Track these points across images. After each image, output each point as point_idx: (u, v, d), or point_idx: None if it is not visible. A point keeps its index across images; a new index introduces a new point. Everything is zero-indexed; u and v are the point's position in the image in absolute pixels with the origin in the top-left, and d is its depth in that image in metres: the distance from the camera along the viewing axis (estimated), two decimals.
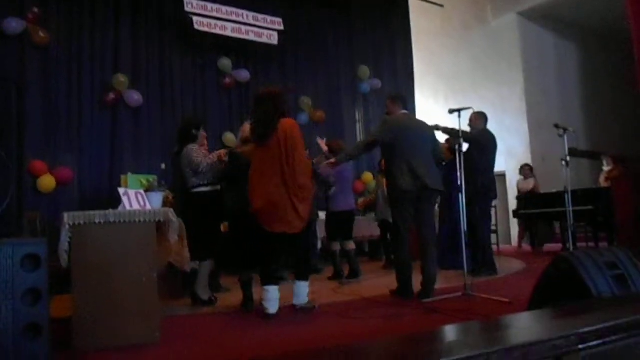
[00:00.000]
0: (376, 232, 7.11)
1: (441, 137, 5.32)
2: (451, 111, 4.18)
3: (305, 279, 3.75)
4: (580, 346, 1.73)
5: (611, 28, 10.91)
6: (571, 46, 12.34)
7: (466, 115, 4.51)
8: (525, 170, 8.85)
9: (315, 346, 2.63)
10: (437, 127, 4.82)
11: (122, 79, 6.90)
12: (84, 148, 6.73)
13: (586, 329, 1.75)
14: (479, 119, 5.53)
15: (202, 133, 4.52)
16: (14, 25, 6.12)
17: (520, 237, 9.45)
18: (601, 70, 12.46)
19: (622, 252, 2.83)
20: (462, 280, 3.93)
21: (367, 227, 7.39)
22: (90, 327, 2.87)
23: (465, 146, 4.60)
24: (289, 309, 3.71)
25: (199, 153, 4.23)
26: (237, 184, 4.03)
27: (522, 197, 8.58)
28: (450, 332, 2.03)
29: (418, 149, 4.11)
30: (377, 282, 5.22)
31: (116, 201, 6.45)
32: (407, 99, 4.80)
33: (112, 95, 6.86)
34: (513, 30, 11.23)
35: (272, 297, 3.54)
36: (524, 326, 2.01)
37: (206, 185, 4.24)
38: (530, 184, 8.74)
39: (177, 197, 5.01)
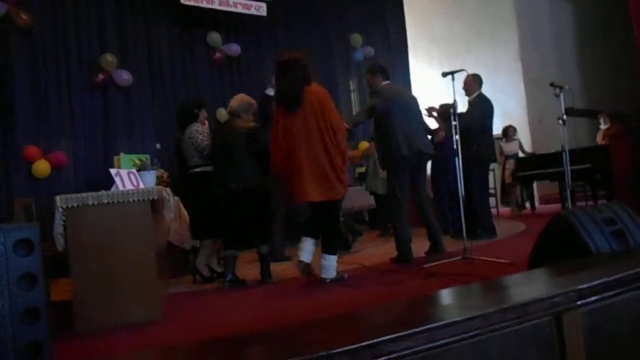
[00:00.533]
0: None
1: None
2: (444, 74, 4.11)
3: (334, 252, 3.66)
4: (579, 302, 1.72)
5: None
6: (565, 4, 12.10)
7: (460, 78, 4.42)
8: (509, 132, 8.66)
9: (318, 316, 2.64)
10: (430, 114, 4.84)
11: (110, 58, 6.77)
12: (76, 131, 6.65)
13: (584, 285, 1.74)
14: (474, 81, 5.45)
15: (203, 112, 4.50)
16: None
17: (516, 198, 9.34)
18: (597, 26, 12.24)
19: (620, 208, 2.82)
20: (461, 244, 3.94)
21: (365, 196, 7.37)
22: (90, 308, 2.88)
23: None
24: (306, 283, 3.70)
25: (205, 136, 4.21)
26: (236, 162, 3.86)
27: (520, 159, 8.53)
28: (449, 295, 2.03)
29: (410, 116, 4.12)
30: (376, 250, 5.23)
31: (111, 182, 6.44)
32: (387, 69, 4.63)
33: (101, 76, 6.74)
34: None
35: (307, 247, 3.65)
36: (523, 285, 2.00)
37: (208, 165, 4.21)
38: (514, 146, 8.58)
39: (179, 176, 4.99)
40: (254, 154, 3.86)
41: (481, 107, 5.36)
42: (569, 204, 5.30)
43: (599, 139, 8.07)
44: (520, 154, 8.61)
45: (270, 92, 4.30)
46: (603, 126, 8.08)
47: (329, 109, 3.53)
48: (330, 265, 3.63)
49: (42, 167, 6.13)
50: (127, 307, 2.94)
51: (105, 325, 2.84)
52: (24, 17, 6.17)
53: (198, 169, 4.23)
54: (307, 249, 3.63)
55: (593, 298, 1.74)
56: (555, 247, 2.65)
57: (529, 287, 1.93)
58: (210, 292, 3.91)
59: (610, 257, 2.32)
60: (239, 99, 4.13)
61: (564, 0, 12.02)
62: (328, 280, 3.61)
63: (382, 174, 5.39)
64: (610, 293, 1.79)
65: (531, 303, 1.60)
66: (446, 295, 2.02)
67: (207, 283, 4.22)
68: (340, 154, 3.52)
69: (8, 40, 6.21)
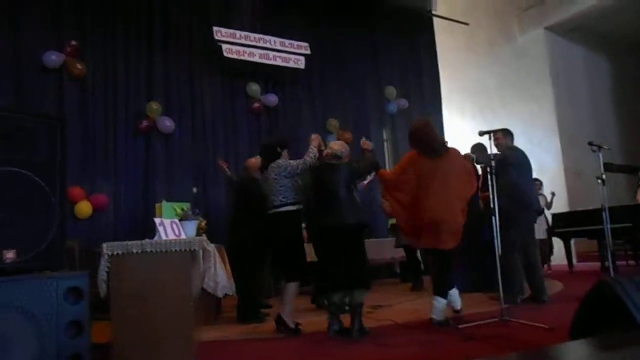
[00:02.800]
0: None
1: None
2: (481, 133, 4.14)
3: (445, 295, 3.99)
4: None
5: None
6: (601, 58, 12.11)
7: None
8: (535, 186, 8.47)
9: None
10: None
11: (155, 106, 7.11)
12: (119, 174, 6.93)
13: None
14: (505, 136, 5.41)
15: (285, 152, 4.40)
16: (54, 58, 6.40)
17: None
18: (634, 81, 12.19)
19: None
20: (497, 305, 3.86)
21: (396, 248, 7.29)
22: (127, 354, 2.93)
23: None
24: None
25: (299, 169, 4.11)
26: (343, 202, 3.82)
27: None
28: None
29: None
30: (408, 306, 5.14)
31: (150, 226, 6.58)
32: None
33: (145, 122, 7.06)
34: (541, 45, 11.10)
35: (440, 307, 3.91)
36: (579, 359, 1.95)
37: (293, 204, 4.08)
38: (541, 201, 8.39)
39: (244, 218, 4.89)
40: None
41: (512, 158, 5.21)
42: (609, 264, 5.13)
43: (638, 197, 7.85)
44: (546, 211, 8.40)
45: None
46: None
47: (464, 168, 4.24)
48: (439, 307, 3.92)
49: (84, 208, 6.37)
50: (163, 354, 2.98)
51: None
52: (79, 66, 6.59)
53: (283, 208, 4.05)
54: (440, 309, 3.93)
55: None
56: (599, 315, 2.58)
57: None
58: (239, 341, 3.90)
59: None
60: (340, 144, 4.29)
61: (599, 54, 12.04)
62: (435, 322, 3.87)
63: None
64: None
65: None
66: None
67: (291, 334, 3.92)
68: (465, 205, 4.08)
69: (62, 87, 6.62)
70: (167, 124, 7.20)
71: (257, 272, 4.98)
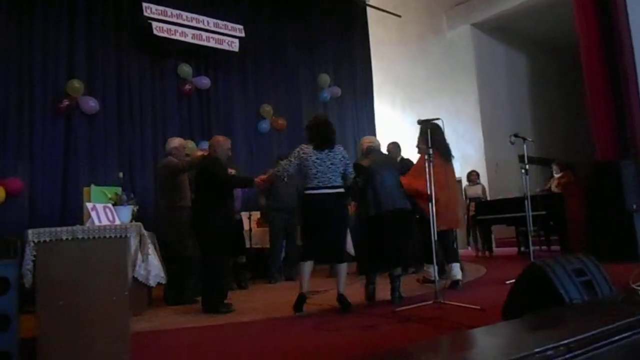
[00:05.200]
0: None
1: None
2: (420, 122, 4.25)
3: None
4: (568, 355, 1.79)
5: (560, 40, 11.45)
6: (522, 57, 12.87)
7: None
8: (473, 176, 9.09)
9: None
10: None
11: (76, 84, 6.63)
12: (35, 157, 6.41)
13: (572, 339, 1.82)
14: (395, 148, 5.93)
15: None
16: None
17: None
18: (550, 80, 13.06)
19: (587, 259, 2.97)
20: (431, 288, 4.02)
21: None
22: (55, 348, 2.72)
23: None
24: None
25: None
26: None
27: (480, 203, 8.83)
28: (441, 346, 2.05)
29: None
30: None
31: (71, 212, 6.17)
32: None
33: (66, 102, 6.57)
34: (467, 41, 11.60)
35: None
36: (514, 337, 2.06)
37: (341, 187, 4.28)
38: (478, 190, 8.98)
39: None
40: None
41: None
42: (530, 249, 5.50)
43: (553, 187, 8.46)
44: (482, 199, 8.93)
45: None
46: (556, 174, 8.50)
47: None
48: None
49: None
50: (95, 348, 2.79)
51: None
52: None
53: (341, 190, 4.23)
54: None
55: (579, 351, 1.81)
56: (530, 296, 2.74)
57: (520, 340, 1.98)
58: (172, 331, 3.76)
59: (584, 308, 2.42)
60: (369, 140, 4.93)
61: (520, 53, 12.77)
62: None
63: None
64: (594, 346, 1.87)
65: (526, 357, 1.64)
66: (439, 346, 2.04)
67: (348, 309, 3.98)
68: None
69: None
70: (91, 104, 6.75)
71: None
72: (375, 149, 4.78)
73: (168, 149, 5.37)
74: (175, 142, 5.42)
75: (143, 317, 4.31)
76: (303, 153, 4.10)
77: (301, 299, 3.95)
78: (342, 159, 4.14)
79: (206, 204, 4.36)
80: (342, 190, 4.12)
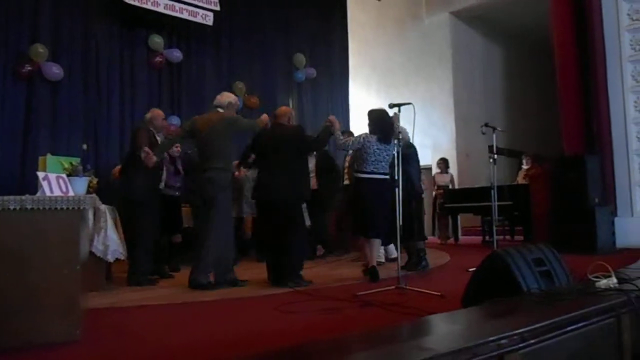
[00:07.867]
0: None
1: None
2: (391, 106, 4.20)
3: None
4: (521, 344, 1.79)
5: (536, 33, 11.53)
6: (498, 48, 12.94)
7: (406, 111, 4.50)
8: (441, 164, 9.17)
9: (256, 346, 2.55)
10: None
11: (40, 49, 6.33)
12: None
13: (526, 328, 1.81)
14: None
15: None
16: None
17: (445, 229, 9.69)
18: (525, 73, 13.18)
19: (547, 249, 3.00)
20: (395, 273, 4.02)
21: None
22: (1, 321, 2.60)
23: None
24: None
25: None
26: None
27: (448, 191, 8.91)
28: (400, 332, 2.03)
29: None
30: (308, 272, 5.18)
31: (29, 183, 5.93)
32: None
33: (28, 67, 6.28)
34: (445, 29, 11.59)
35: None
36: (469, 325, 2.05)
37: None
38: (446, 178, 9.09)
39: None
40: None
41: None
42: (494, 238, 5.58)
43: (520, 179, 8.59)
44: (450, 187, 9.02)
45: None
46: (525, 166, 8.62)
47: None
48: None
49: None
50: (43, 324, 2.67)
51: (16, 343, 2.56)
52: None
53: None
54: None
55: (533, 340, 1.81)
56: (490, 284, 2.75)
57: (476, 327, 1.97)
58: (133, 308, 3.67)
59: (541, 297, 2.44)
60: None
61: (496, 45, 12.84)
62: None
63: None
64: (548, 335, 1.87)
65: (480, 345, 1.63)
66: (397, 333, 2.02)
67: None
68: None
69: None
70: (55, 70, 6.46)
71: None
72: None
73: (221, 103, 4.63)
74: (231, 97, 4.76)
75: (101, 293, 4.20)
76: (367, 141, 4.66)
77: (375, 270, 4.51)
78: (392, 152, 4.72)
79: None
80: (388, 177, 4.70)
